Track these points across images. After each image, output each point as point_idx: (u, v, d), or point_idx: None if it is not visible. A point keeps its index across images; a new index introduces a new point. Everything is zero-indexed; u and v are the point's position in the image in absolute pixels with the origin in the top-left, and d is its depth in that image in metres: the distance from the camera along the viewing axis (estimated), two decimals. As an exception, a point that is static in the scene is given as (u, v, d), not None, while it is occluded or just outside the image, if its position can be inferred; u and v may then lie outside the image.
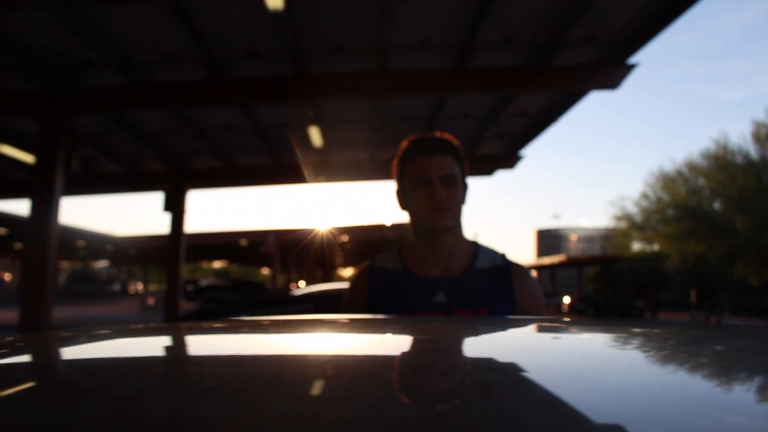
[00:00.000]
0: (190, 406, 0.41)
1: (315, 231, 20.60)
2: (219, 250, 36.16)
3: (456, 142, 1.55)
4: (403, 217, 1.60)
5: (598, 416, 0.38)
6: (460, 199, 1.51)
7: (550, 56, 7.00)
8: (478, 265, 1.50)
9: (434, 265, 1.50)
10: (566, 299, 31.53)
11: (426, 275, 1.49)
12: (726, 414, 0.40)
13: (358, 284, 1.57)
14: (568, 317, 1.15)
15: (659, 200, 22.56)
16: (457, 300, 1.43)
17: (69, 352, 0.68)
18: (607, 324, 0.96)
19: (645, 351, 0.68)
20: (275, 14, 5.87)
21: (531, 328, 0.90)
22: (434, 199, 1.45)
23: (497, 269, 1.50)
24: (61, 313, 17.09)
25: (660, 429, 0.36)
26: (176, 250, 12.04)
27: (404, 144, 1.56)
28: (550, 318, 1.21)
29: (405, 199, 1.55)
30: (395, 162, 1.58)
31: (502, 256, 1.54)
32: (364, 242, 27.53)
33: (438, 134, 1.55)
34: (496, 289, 1.47)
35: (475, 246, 1.55)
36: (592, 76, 7.42)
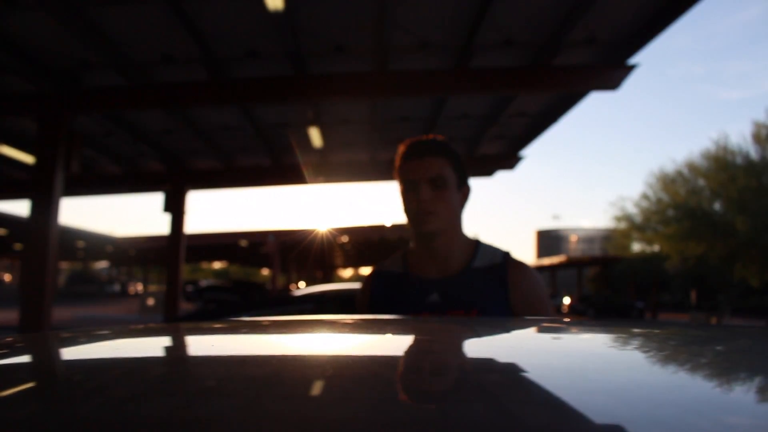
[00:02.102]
0: (190, 406, 0.41)
1: (315, 232, 20.61)
2: (219, 250, 36.15)
3: (448, 143, 1.53)
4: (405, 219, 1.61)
5: (598, 416, 0.38)
6: (453, 201, 1.48)
7: (550, 57, 7.01)
8: (475, 265, 1.48)
9: (432, 266, 1.50)
10: (566, 300, 31.54)
11: (423, 276, 1.50)
12: (726, 414, 0.40)
13: (363, 289, 1.62)
14: (568, 318, 1.15)
15: (659, 201, 22.59)
16: (451, 300, 1.43)
17: (69, 353, 0.68)
18: (607, 324, 0.96)
19: (645, 351, 0.68)
20: (275, 15, 5.88)
21: (531, 329, 0.90)
22: (418, 201, 1.44)
23: (494, 268, 1.47)
24: (60, 313, 17.08)
25: (660, 429, 0.36)
26: (176, 250, 12.04)
27: (400, 148, 1.56)
28: (550, 318, 1.21)
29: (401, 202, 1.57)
30: (395, 167, 1.58)
31: (504, 254, 1.51)
32: (364, 243, 27.53)
33: (431, 136, 1.54)
34: (490, 289, 1.44)
35: (475, 245, 1.53)
36: (592, 77, 7.43)
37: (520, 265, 1.49)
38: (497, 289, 1.44)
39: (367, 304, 1.57)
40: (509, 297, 1.43)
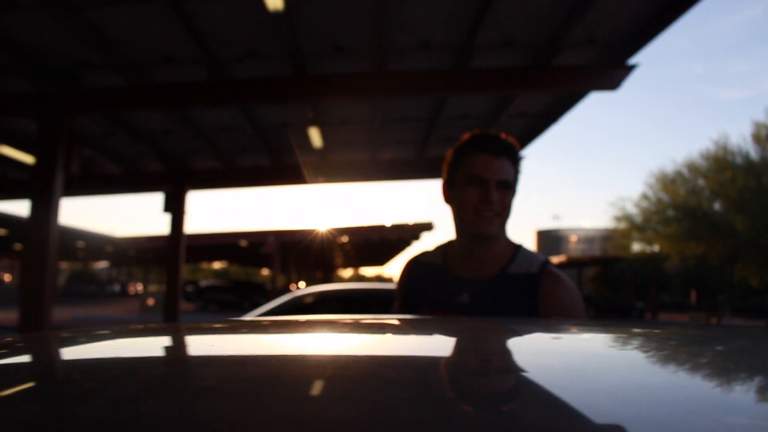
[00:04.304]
0: (190, 406, 0.41)
1: (315, 232, 20.64)
2: (219, 250, 36.18)
3: (518, 146, 1.49)
4: (446, 212, 1.55)
5: (598, 417, 0.38)
6: (510, 206, 1.45)
7: (550, 57, 7.00)
8: (510, 270, 1.44)
9: (468, 266, 1.47)
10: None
11: (458, 274, 1.47)
12: (726, 414, 0.40)
13: (402, 275, 1.62)
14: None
15: (659, 201, 22.58)
16: (480, 304, 1.40)
17: (68, 353, 0.68)
18: (607, 325, 0.96)
19: (645, 351, 0.68)
20: (275, 15, 5.88)
21: (532, 329, 0.90)
22: (486, 202, 1.39)
23: (528, 277, 1.42)
24: (60, 313, 17.08)
25: (660, 429, 0.36)
26: (176, 250, 12.04)
27: (467, 136, 1.49)
28: (550, 318, 1.21)
29: (453, 193, 1.49)
30: (451, 151, 1.52)
31: (541, 263, 1.45)
32: (364, 243, 27.54)
33: (503, 135, 1.48)
34: (520, 298, 1.40)
35: (515, 250, 1.49)
36: (592, 77, 7.43)
37: (555, 278, 1.43)
38: (528, 299, 1.40)
39: (404, 291, 1.58)
40: (539, 309, 1.39)
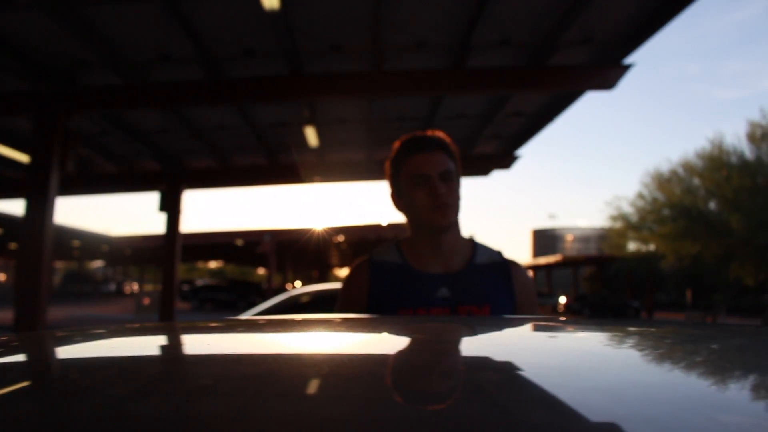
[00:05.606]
0: (186, 405, 0.41)
1: (311, 231, 20.64)
2: (215, 250, 36.13)
3: (448, 138, 1.55)
4: (399, 217, 1.59)
5: (593, 415, 0.38)
6: (458, 194, 1.52)
7: (546, 56, 7.02)
8: (477, 261, 1.51)
9: (435, 262, 1.50)
10: (562, 299, 31.57)
11: (427, 271, 1.49)
12: (721, 412, 0.40)
13: (357, 278, 1.52)
14: (564, 317, 1.15)
15: (655, 200, 22.64)
16: (460, 295, 1.44)
17: (64, 352, 0.68)
18: (602, 323, 0.96)
19: (641, 350, 0.69)
20: (271, 14, 5.87)
21: (527, 328, 0.90)
22: (435, 196, 1.44)
23: (496, 265, 1.52)
24: (55, 313, 17.04)
25: (655, 427, 0.36)
26: (172, 250, 12.01)
27: (397, 144, 1.55)
28: (546, 317, 1.21)
29: (402, 199, 1.54)
30: (389, 163, 1.57)
31: (499, 253, 1.57)
32: (360, 242, 27.53)
33: (429, 132, 1.55)
34: (497, 285, 1.49)
35: (473, 243, 1.57)
36: (587, 77, 7.45)
37: (518, 265, 1.56)
38: (503, 284, 1.50)
39: (366, 296, 1.48)
40: (515, 292, 1.50)
